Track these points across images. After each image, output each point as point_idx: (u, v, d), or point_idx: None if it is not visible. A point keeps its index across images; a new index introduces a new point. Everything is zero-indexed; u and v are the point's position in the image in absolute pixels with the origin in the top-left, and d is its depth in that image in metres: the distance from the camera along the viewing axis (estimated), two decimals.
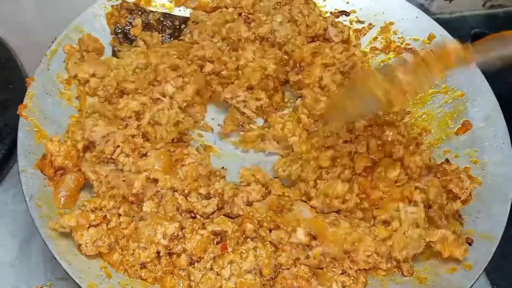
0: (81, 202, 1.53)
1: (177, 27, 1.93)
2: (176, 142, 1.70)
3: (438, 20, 1.95)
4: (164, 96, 1.71)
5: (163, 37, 1.91)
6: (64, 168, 1.55)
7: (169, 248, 1.46)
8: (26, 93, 1.62)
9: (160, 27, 1.91)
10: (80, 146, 1.58)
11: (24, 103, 1.60)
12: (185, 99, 1.73)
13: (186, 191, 1.55)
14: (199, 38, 1.87)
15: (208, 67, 1.81)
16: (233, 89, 1.78)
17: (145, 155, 1.58)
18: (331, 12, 2.03)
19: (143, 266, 1.46)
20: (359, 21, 2.03)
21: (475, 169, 1.70)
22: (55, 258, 1.39)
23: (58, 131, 1.62)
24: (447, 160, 1.72)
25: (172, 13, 1.96)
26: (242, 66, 1.81)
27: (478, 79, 1.83)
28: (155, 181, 1.54)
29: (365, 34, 2.01)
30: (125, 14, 1.88)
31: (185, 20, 1.94)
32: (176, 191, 1.55)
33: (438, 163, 1.71)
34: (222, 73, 1.81)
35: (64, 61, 1.74)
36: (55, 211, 1.49)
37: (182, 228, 1.48)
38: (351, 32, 1.99)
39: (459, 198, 1.62)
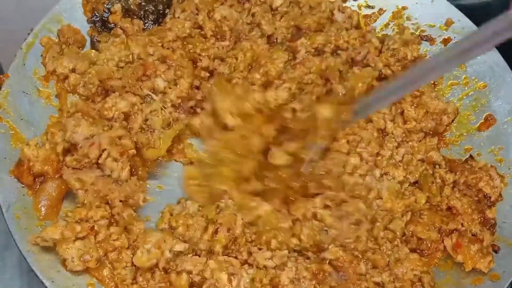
0: (64, 213, 1.53)
1: (161, 12, 1.92)
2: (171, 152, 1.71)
3: (460, 7, 1.94)
4: (154, 92, 1.71)
5: (146, 24, 1.90)
6: (44, 175, 1.55)
7: (169, 265, 1.48)
8: (0, 91, 1.61)
9: (142, 12, 1.90)
10: (59, 148, 1.56)
11: None
12: (180, 95, 1.73)
13: None
14: (182, 16, 1.87)
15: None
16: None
17: None
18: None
19: (135, 281, 1.46)
20: (368, 6, 2.02)
21: (500, 169, 1.70)
22: (33, 272, 1.40)
23: (37, 133, 1.61)
24: (471, 157, 1.73)
25: None
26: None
27: (502, 68, 1.83)
28: None
29: (375, 21, 2.01)
30: None
31: (169, 4, 1.93)
32: None
33: (463, 161, 1.72)
34: (202, 32, 1.84)
35: (41, 55, 1.73)
36: (35, 222, 1.49)
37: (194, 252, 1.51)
38: (360, 18, 1.99)
39: (490, 198, 1.63)
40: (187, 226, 1.55)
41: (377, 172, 1.66)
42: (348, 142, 1.71)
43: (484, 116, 1.80)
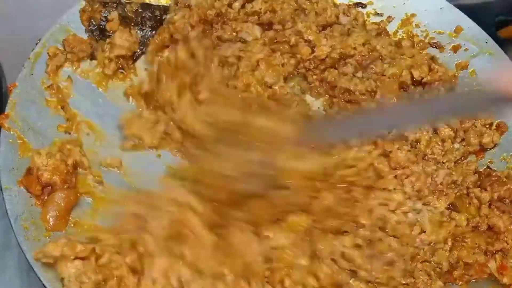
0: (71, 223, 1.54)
1: (158, 17, 1.93)
2: None
3: (460, 7, 1.97)
4: None
5: (144, 30, 1.91)
6: (52, 185, 1.56)
7: None
8: (8, 101, 1.63)
9: (139, 19, 1.91)
10: (70, 161, 1.58)
11: (5, 113, 1.60)
12: None
13: None
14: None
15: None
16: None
17: None
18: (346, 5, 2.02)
19: None
20: (376, 14, 2.04)
21: None
22: (33, 272, 1.41)
23: (44, 142, 1.63)
24: (488, 168, 1.72)
25: (151, 3, 1.94)
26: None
27: None
28: None
29: (384, 28, 2.01)
30: (99, 8, 1.87)
31: (166, 9, 1.94)
32: None
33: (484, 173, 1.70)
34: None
35: (46, 64, 1.74)
36: (43, 233, 1.50)
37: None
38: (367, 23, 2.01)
39: None
40: None
41: (419, 205, 1.58)
42: (396, 177, 1.60)
43: (496, 123, 1.80)
